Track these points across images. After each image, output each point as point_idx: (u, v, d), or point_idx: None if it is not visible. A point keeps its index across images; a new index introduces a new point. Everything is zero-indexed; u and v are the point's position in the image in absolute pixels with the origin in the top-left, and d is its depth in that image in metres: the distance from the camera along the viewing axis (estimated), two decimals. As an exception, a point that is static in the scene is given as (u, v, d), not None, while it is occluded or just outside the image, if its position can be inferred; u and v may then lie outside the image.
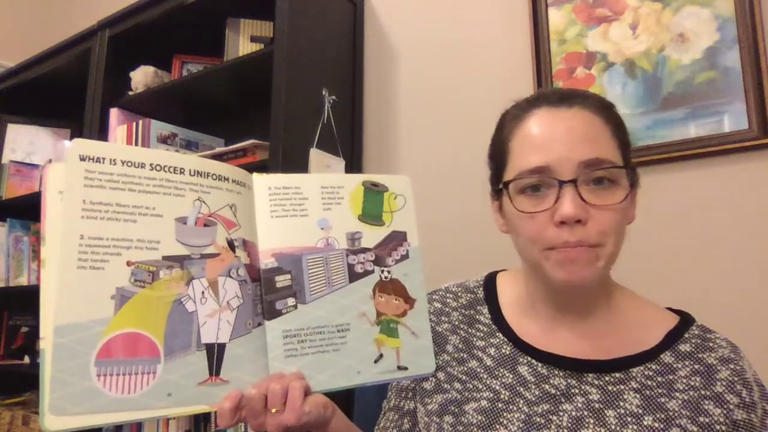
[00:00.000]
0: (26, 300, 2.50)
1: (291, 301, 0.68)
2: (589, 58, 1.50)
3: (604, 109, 0.72)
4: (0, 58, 2.75)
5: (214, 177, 0.66)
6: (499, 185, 0.75)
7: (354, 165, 1.80)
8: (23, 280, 2.37)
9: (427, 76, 1.79)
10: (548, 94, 0.74)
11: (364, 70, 1.90)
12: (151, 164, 0.62)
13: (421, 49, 1.81)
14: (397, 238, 0.77)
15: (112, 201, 0.59)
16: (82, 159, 0.59)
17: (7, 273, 2.40)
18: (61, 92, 2.46)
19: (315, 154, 1.63)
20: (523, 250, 0.74)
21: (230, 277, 0.64)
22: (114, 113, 2.05)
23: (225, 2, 1.86)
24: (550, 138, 0.69)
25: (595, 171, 0.66)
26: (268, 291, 0.68)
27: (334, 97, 1.73)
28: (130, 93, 2.08)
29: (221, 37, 1.91)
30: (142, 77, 2.04)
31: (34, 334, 2.50)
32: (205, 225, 0.64)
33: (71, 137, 2.64)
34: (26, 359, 2.40)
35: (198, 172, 0.65)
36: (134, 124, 1.96)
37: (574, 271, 0.67)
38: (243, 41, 1.89)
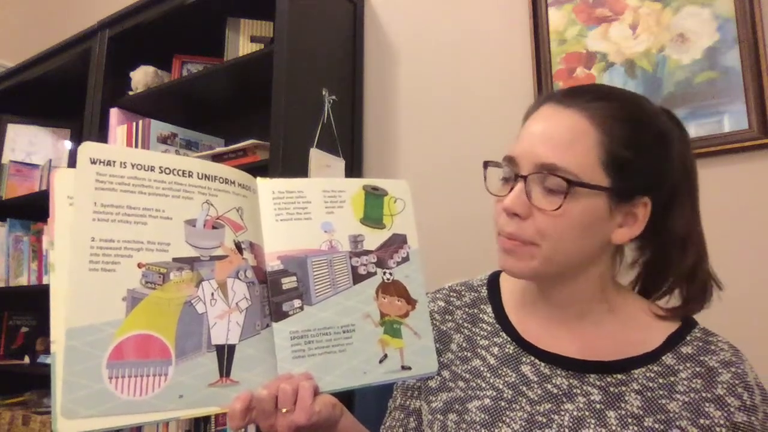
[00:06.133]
0: (26, 300, 2.50)
1: (297, 302, 0.69)
2: (589, 58, 1.50)
3: (606, 119, 0.69)
4: (0, 58, 2.74)
5: (221, 180, 0.67)
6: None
7: (354, 165, 1.81)
8: (23, 280, 2.37)
9: (427, 76, 1.79)
10: (559, 91, 0.76)
11: (364, 70, 1.91)
12: (160, 167, 0.62)
13: (421, 49, 1.82)
14: (398, 241, 0.77)
15: (123, 203, 0.59)
16: (93, 162, 0.59)
17: (7, 273, 2.40)
18: (61, 92, 2.46)
19: (315, 154, 1.63)
20: None
21: (238, 278, 0.64)
22: (114, 113, 2.06)
23: (225, 2, 1.86)
24: (530, 132, 0.72)
25: (548, 175, 0.67)
26: (274, 293, 0.68)
27: (334, 97, 1.73)
28: (130, 93, 2.08)
29: (221, 37, 1.92)
30: (142, 77, 2.05)
31: (34, 334, 2.51)
32: (214, 227, 0.64)
33: (71, 137, 2.64)
34: (26, 359, 2.40)
35: (205, 175, 0.65)
36: (134, 124, 1.96)
37: (508, 262, 0.72)
38: (243, 41, 1.90)
